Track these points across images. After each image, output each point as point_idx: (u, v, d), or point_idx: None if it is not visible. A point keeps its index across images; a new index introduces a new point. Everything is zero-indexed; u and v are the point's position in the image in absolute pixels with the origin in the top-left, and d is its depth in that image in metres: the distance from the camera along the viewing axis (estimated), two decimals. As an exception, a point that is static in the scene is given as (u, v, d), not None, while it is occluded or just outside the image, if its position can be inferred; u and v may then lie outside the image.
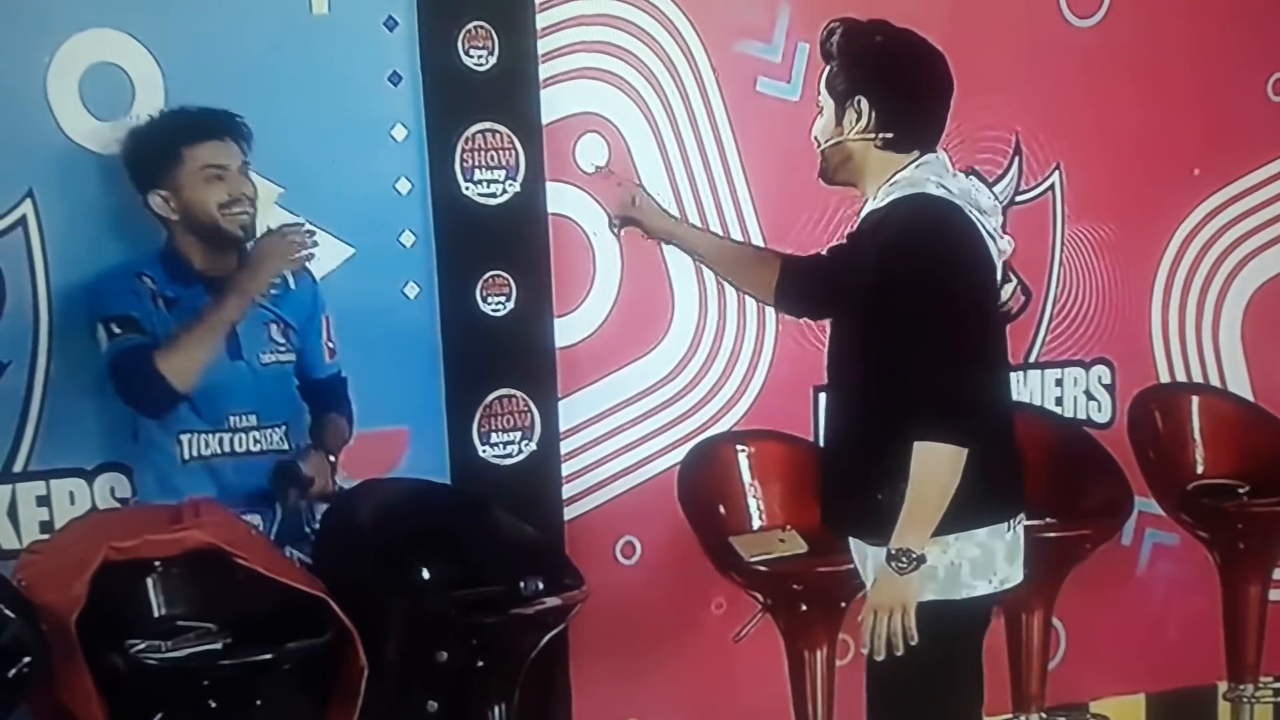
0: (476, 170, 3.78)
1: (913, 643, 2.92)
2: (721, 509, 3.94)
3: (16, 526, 3.36)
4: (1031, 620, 4.09)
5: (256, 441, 3.37)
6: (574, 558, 3.54)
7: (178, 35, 3.46)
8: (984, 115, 4.44)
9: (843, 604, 3.80)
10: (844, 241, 3.16)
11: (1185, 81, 4.57)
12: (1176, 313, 4.72)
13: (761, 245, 3.56)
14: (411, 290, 3.76)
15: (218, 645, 2.98)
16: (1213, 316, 4.77)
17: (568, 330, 3.95)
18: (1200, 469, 4.44)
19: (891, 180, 3.03)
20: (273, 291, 3.37)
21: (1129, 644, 4.65)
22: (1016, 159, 4.52)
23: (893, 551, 2.90)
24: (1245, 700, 4.36)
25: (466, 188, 3.77)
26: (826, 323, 3.29)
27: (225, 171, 3.30)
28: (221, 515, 3.24)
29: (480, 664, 3.23)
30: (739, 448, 4.03)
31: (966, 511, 2.94)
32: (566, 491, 3.99)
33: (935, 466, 2.87)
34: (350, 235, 3.65)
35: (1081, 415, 4.61)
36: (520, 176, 3.81)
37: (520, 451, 3.89)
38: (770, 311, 4.22)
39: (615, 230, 3.39)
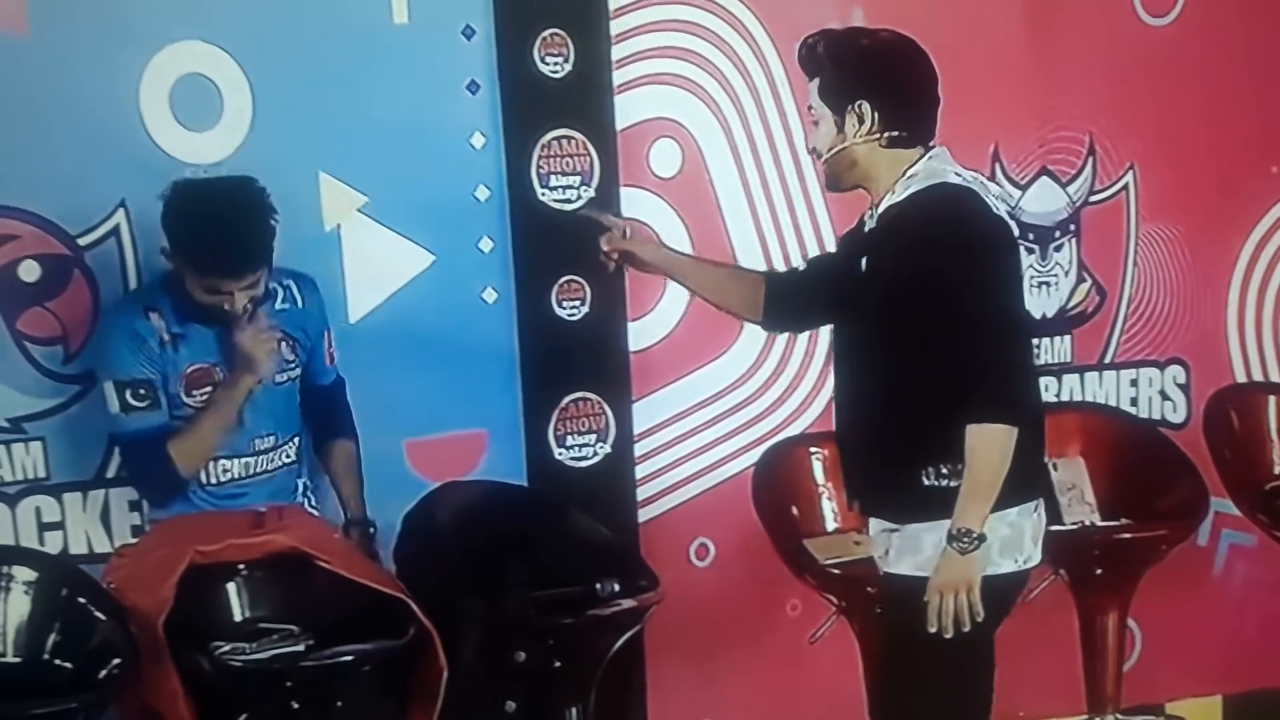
0: (552, 176, 3.80)
1: (979, 619, 2.94)
2: (795, 511, 3.94)
3: (108, 530, 3.42)
4: (1107, 621, 4.07)
5: (273, 460, 3.37)
6: (648, 560, 3.55)
7: (264, 46, 3.50)
8: (1058, 115, 4.42)
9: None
10: (834, 250, 3.16)
11: (1261, 78, 4.50)
12: (1253, 311, 4.64)
13: (745, 267, 3.59)
14: (489, 295, 3.78)
15: (300, 647, 3.01)
16: (1290, 315, 4.74)
17: (641, 334, 3.96)
18: (1278, 469, 4.35)
19: (908, 175, 3.06)
20: (279, 308, 3.33)
21: (1205, 645, 4.59)
22: (1090, 159, 4.48)
23: (954, 532, 2.92)
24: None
25: (542, 194, 3.79)
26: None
27: (230, 298, 3.18)
28: (304, 519, 3.30)
29: (557, 665, 3.25)
30: (812, 450, 4.01)
31: (1003, 490, 2.95)
32: (641, 494, 4.00)
33: (992, 447, 2.90)
34: (430, 242, 3.68)
35: (1156, 416, 4.56)
36: (595, 182, 3.82)
37: (595, 454, 3.90)
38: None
39: (611, 265, 3.35)
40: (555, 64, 3.77)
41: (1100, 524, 4.14)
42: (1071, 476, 4.20)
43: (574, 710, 3.29)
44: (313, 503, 3.46)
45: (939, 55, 4.17)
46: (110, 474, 3.40)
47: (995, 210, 3.03)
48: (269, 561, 3.12)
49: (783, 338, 4.10)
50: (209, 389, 3.23)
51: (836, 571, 3.75)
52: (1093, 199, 4.50)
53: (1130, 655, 4.30)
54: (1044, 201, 4.46)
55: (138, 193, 3.37)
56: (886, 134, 3.04)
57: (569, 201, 3.80)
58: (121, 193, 3.38)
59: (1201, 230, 4.54)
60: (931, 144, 3.10)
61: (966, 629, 2.94)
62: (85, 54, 3.34)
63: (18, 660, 2.90)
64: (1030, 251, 4.46)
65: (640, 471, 3.99)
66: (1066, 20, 4.39)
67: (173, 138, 3.42)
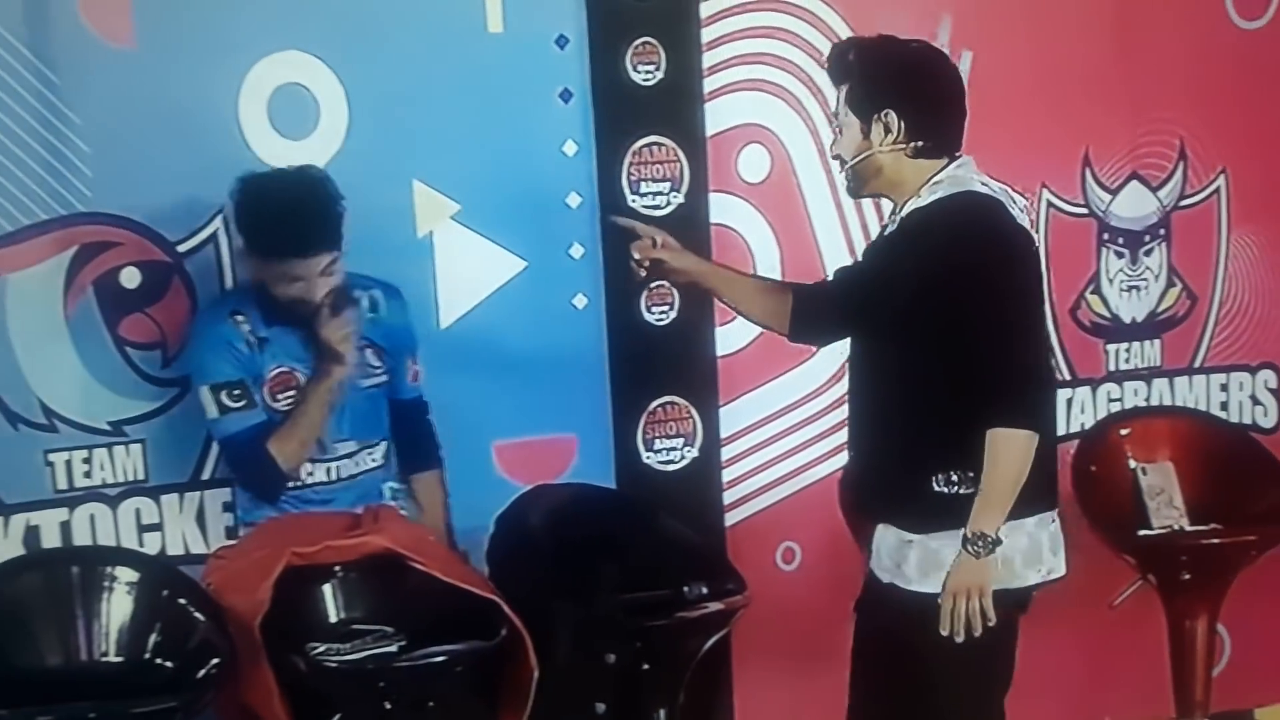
0: (643, 183, 3.77)
1: (990, 624, 2.92)
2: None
3: (204, 531, 3.43)
4: (1196, 626, 3.99)
5: (358, 464, 3.35)
6: (735, 563, 3.49)
7: (360, 56, 3.49)
8: (1149, 119, 4.34)
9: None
10: (859, 260, 3.14)
11: (1356, 82, 4.40)
12: (1346, 315, 4.56)
13: (773, 278, 3.55)
14: (580, 301, 3.75)
15: (393, 648, 3.01)
16: (1383, 318, 4.59)
17: (729, 338, 3.90)
18: (1368, 474, 4.28)
19: (933, 181, 3.03)
20: (368, 315, 3.32)
21: (1295, 651, 4.50)
22: (1181, 163, 4.39)
23: (969, 536, 2.90)
24: None
25: (633, 200, 3.76)
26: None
27: (304, 279, 3.16)
28: (398, 521, 3.28)
29: (646, 667, 3.22)
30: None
31: (1020, 498, 2.93)
32: (727, 497, 3.95)
33: (1013, 452, 2.89)
34: (522, 249, 3.66)
35: (1247, 420, 4.47)
36: (684, 188, 3.79)
37: (683, 458, 3.87)
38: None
39: (642, 275, 3.29)
40: (647, 72, 3.74)
41: (1189, 529, 4.04)
42: (1160, 481, 4.12)
43: (662, 712, 3.26)
44: (401, 506, 3.44)
45: (1030, 60, 4.22)
46: (205, 476, 3.41)
47: (1018, 220, 3.00)
48: (364, 563, 3.10)
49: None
50: (292, 393, 3.22)
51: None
52: (1183, 203, 4.41)
53: (1219, 660, 4.19)
54: (1134, 206, 4.38)
55: (236, 200, 3.41)
56: (912, 144, 3.02)
57: (659, 208, 3.77)
58: (220, 200, 3.35)
59: (1293, 233, 4.45)
60: (958, 154, 3.07)
61: (978, 633, 2.90)
62: (187, 65, 3.35)
63: (120, 660, 2.91)
64: (1120, 256, 4.40)
65: (727, 475, 3.95)
66: (1158, 24, 4.30)
67: (270, 146, 3.41)
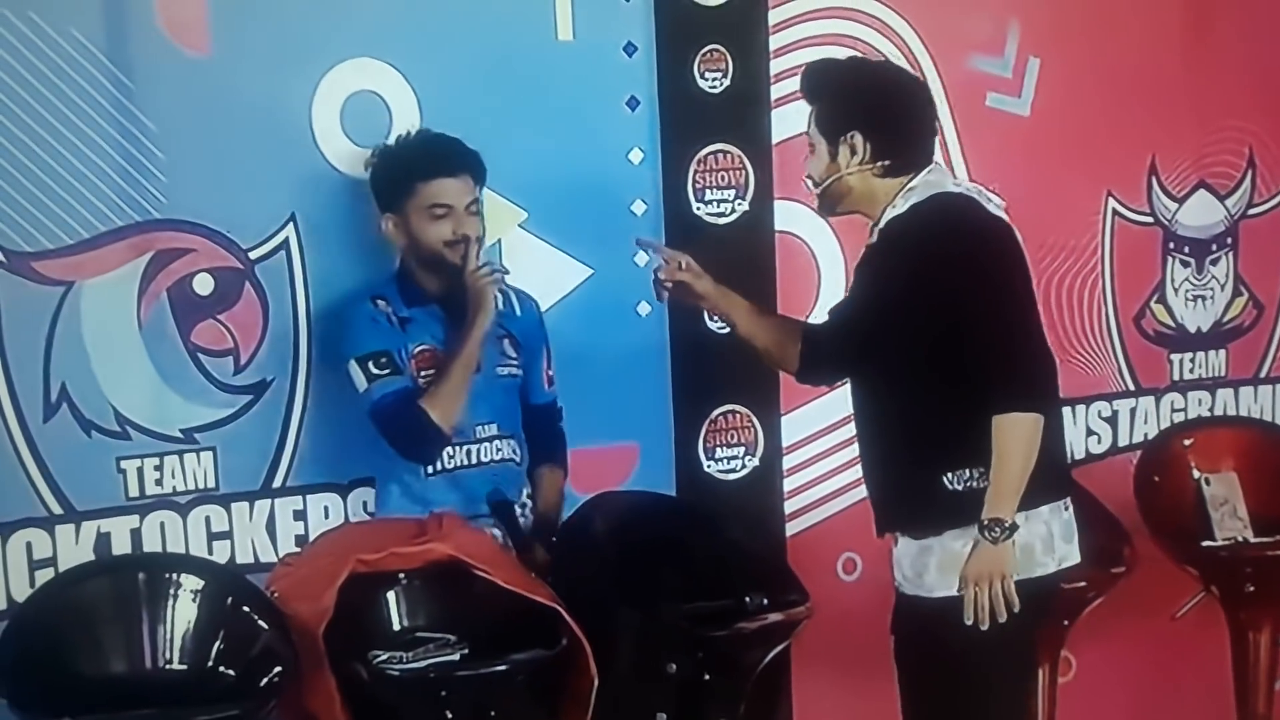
0: (708, 190, 3.70)
1: (1014, 610, 2.88)
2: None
3: (273, 540, 3.36)
4: (1259, 638, 3.91)
5: (498, 450, 3.33)
6: (795, 573, 3.40)
7: (432, 63, 3.43)
8: (1216, 127, 4.25)
9: (1066, 622, 3.71)
10: (845, 296, 3.13)
11: None
12: None
13: (789, 317, 3.48)
14: (644, 309, 3.68)
15: (455, 656, 2.95)
16: None
17: (791, 346, 3.84)
18: None
19: (907, 188, 3.03)
20: (500, 309, 3.33)
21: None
22: (1250, 171, 4.28)
23: (985, 522, 2.86)
24: None
25: (698, 208, 3.69)
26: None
27: (451, 211, 3.23)
28: (464, 528, 3.20)
29: (707, 677, 3.13)
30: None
31: (1032, 488, 2.89)
32: (788, 507, 3.88)
33: (1019, 435, 2.85)
34: (588, 256, 3.60)
35: (1314, 431, 4.34)
36: (749, 195, 3.72)
37: (744, 467, 3.80)
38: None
39: (663, 295, 3.28)
40: (714, 79, 3.67)
41: (1253, 540, 3.94)
42: (1224, 491, 4.01)
43: (723, 722, 3.20)
44: (529, 513, 3.41)
45: (1097, 67, 4.10)
46: (276, 484, 3.36)
47: (995, 212, 2.98)
48: (428, 570, 3.05)
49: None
50: (432, 370, 3.22)
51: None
52: (1251, 212, 4.31)
53: (1284, 673, 4.08)
54: (1201, 214, 4.29)
55: (308, 206, 3.35)
56: (879, 164, 3.00)
57: (723, 215, 3.71)
58: (292, 206, 3.33)
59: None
60: (930, 164, 3.04)
61: (1003, 619, 2.88)
62: (262, 72, 3.29)
63: (184, 668, 2.87)
64: (1186, 265, 4.30)
65: (788, 485, 3.87)
66: (1226, 30, 4.20)
67: (343, 152, 3.36)
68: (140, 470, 3.25)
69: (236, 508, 3.34)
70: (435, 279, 3.29)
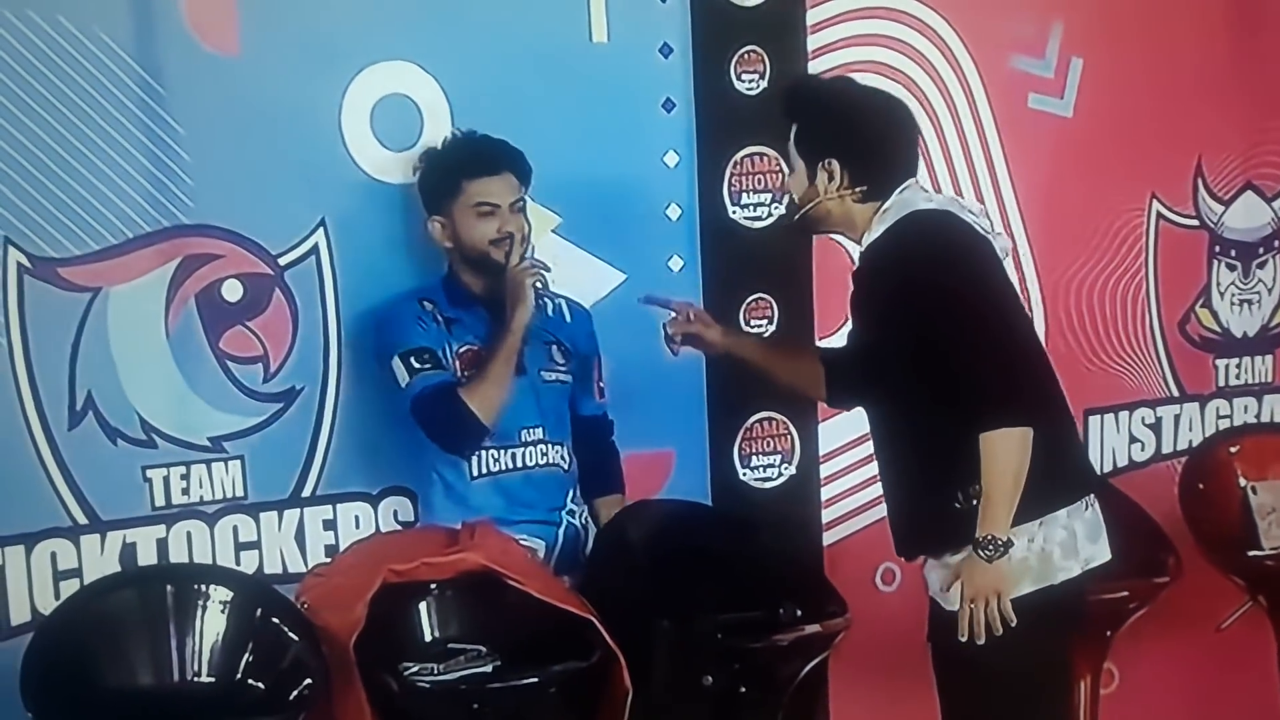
0: (744, 194, 3.64)
1: (1012, 625, 2.84)
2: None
3: (303, 550, 3.32)
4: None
5: (543, 454, 3.30)
6: (833, 584, 3.34)
7: (464, 65, 3.38)
8: (1263, 127, 4.20)
9: (1109, 632, 3.64)
10: (849, 314, 3.08)
11: None
12: None
13: (803, 345, 3.52)
14: (679, 315, 3.63)
15: (487, 668, 2.90)
16: None
17: (829, 353, 3.78)
18: None
19: (882, 210, 2.99)
20: (549, 315, 3.33)
21: None
22: (1300, 175, 4.21)
23: (979, 540, 2.82)
24: None
25: (733, 211, 3.64)
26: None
27: (496, 209, 3.23)
28: (496, 538, 3.15)
29: (744, 689, 3.08)
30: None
31: (1043, 494, 2.87)
32: (826, 516, 3.82)
33: (1005, 451, 2.80)
34: (622, 261, 3.55)
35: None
36: (786, 199, 3.55)
37: (780, 475, 3.75)
38: (1039, 333, 4.02)
39: (675, 348, 3.27)
40: (751, 81, 3.62)
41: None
42: (1272, 499, 3.94)
43: (759, 737, 3.14)
44: (581, 520, 3.37)
45: (1142, 66, 4.03)
46: (306, 493, 3.32)
47: (966, 225, 2.96)
48: (460, 580, 3.00)
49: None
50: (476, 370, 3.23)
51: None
52: (1302, 216, 4.24)
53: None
54: (1248, 217, 4.22)
55: (337, 211, 3.31)
56: (857, 189, 2.96)
57: (760, 219, 3.65)
58: (321, 211, 3.28)
59: None
60: (904, 183, 2.99)
61: (999, 633, 2.84)
62: (292, 73, 3.25)
63: (212, 680, 2.82)
64: (1232, 269, 4.24)
65: (826, 493, 3.82)
66: (1273, 29, 4.13)
67: (373, 157, 3.32)
68: (166, 479, 3.21)
69: (265, 517, 3.30)
70: (481, 279, 3.28)
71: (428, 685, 2.86)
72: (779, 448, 3.75)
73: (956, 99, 3.88)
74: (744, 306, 3.65)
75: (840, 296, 3.68)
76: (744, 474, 3.72)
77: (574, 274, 3.50)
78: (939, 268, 2.85)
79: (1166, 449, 4.23)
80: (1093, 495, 3.00)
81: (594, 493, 3.43)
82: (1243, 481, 3.99)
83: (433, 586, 3.02)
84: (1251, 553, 3.88)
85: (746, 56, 3.61)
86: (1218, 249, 4.24)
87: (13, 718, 2.66)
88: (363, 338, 3.33)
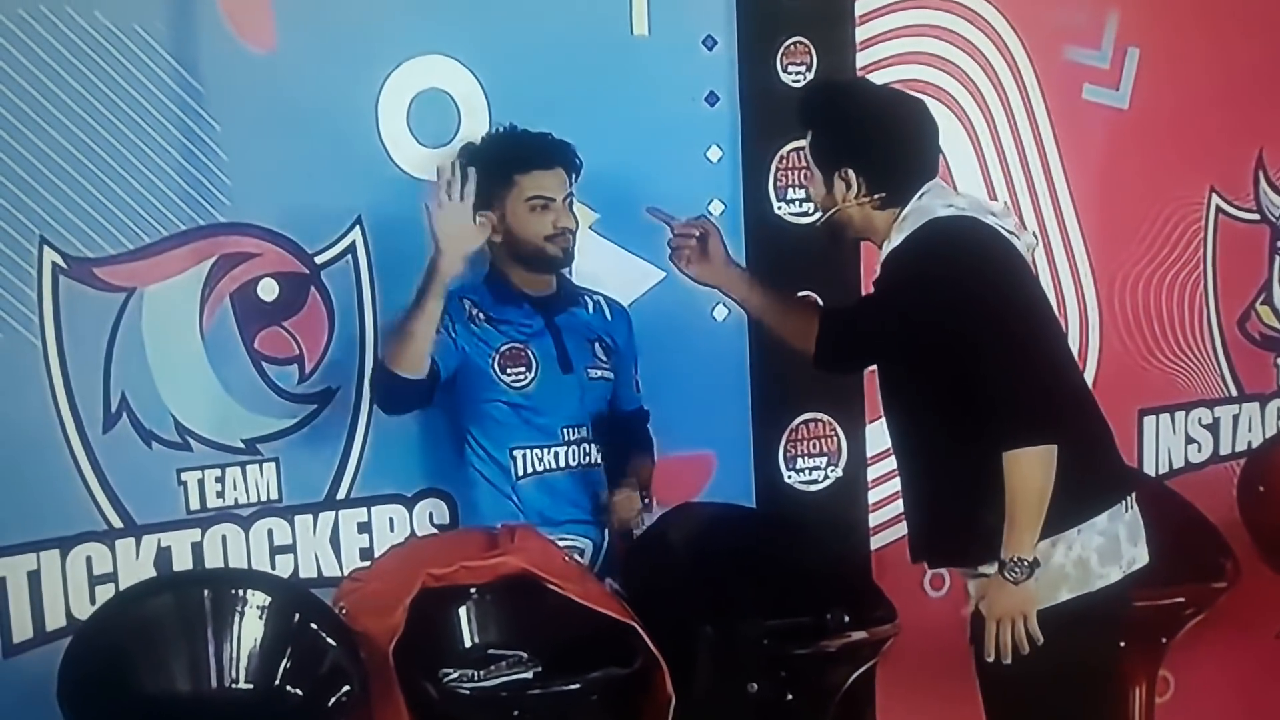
0: (790, 189, 3.64)
1: (1038, 643, 2.86)
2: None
3: (338, 553, 3.35)
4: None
5: (586, 454, 3.32)
6: (881, 589, 3.34)
7: (502, 59, 3.40)
8: None
9: (1164, 639, 3.64)
10: (873, 291, 3.05)
11: None
12: None
13: (806, 298, 3.49)
14: (720, 313, 3.63)
15: (528, 674, 2.91)
16: None
17: (877, 352, 3.78)
18: None
19: (901, 218, 2.99)
20: (590, 313, 3.36)
21: None
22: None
23: (1005, 561, 2.85)
24: None
25: (779, 207, 3.64)
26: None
27: (551, 203, 3.25)
28: (537, 541, 3.16)
29: (789, 697, 3.09)
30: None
31: (1081, 502, 2.88)
32: (873, 520, 3.81)
33: (1028, 471, 2.81)
34: (662, 259, 3.47)
35: None
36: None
37: (826, 478, 3.75)
38: (1093, 329, 4.03)
39: (681, 263, 3.22)
40: (797, 73, 3.61)
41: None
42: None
43: (806, 745, 3.15)
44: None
45: (1201, 57, 4.01)
46: (341, 496, 3.34)
47: (987, 233, 2.92)
48: (500, 585, 3.01)
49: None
50: (520, 369, 3.25)
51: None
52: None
53: None
54: (1312, 211, 4.19)
55: (374, 209, 3.32)
56: (875, 196, 2.96)
57: (806, 215, 3.62)
58: (358, 209, 3.31)
59: None
60: (922, 188, 2.97)
61: (1025, 651, 2.86)
62: (328, 69, 3.27)
63: (249, 687, 2.83)
64: (1294, 262, 4.21)
65: (873, 496, 3.81)
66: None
67: (409, 153, 3.34)
68: (201, 482, 3.24)
69: (300, 520, 3.33)
70: (530, 274, 3.30)
71: (467, 692, 2.87)
72: (825, 449, 3.75)
73: (1009, 91, 3.88)
74: (789, 305, 3.65)
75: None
76: (789, 476, 3.72)
77: (613, 272, 3.52)
78: (956, 283, 2.85)
79: (1224, 450, 4.22)
80: (1132, 495, 3.00)
81: (628, 457, 3.42)
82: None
83: (472, 591, 3.03)
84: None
85: (793, 48, 3.60)
86: (1279, 244, 4.22)
87: (49, 725, 2.70)
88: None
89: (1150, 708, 3.72)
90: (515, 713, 2.87)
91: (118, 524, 3.16)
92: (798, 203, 3.64)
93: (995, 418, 2.80)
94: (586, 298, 3.41)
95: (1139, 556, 2.97)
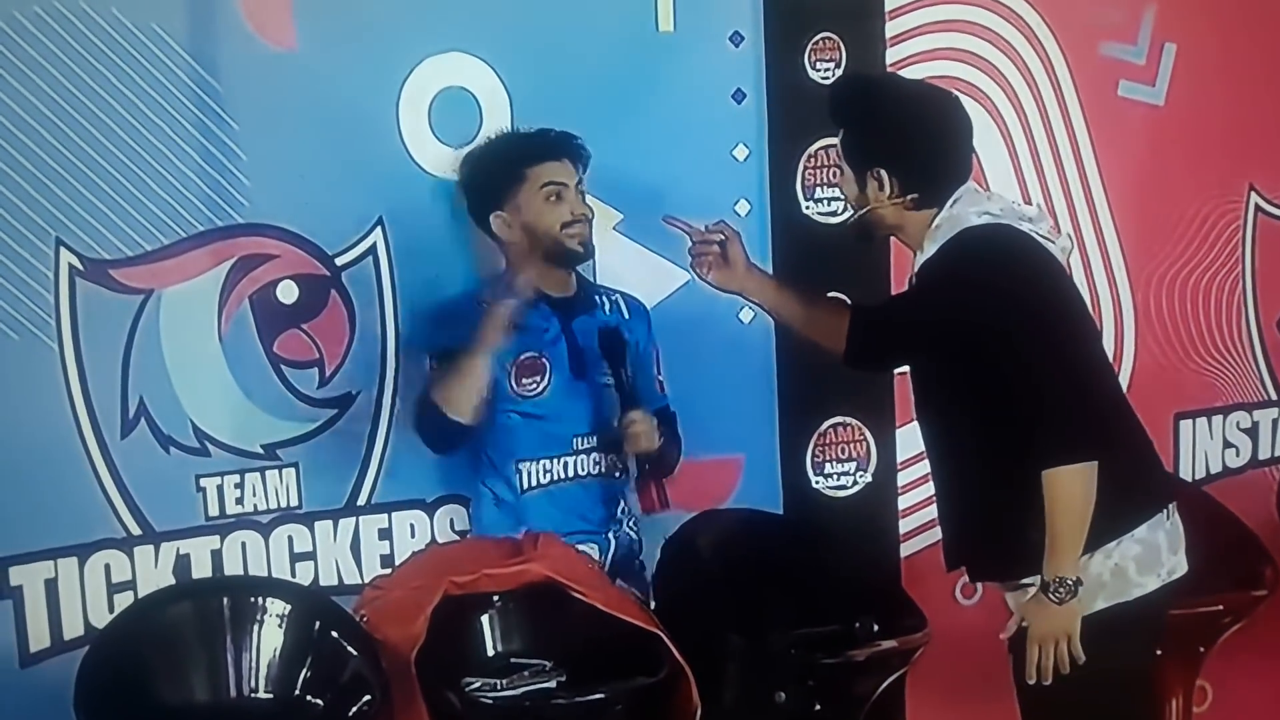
0: (817, 188, 3.65)
1: (1080, 661, 2.87)
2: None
3: (358, 560, 3.36)
4: None
5: (596, 464, 3.33)
6: (911, 597, 3.35)
7: (524, 56, 3.41)
8: None
9: (1202, 648, 3.64)
10: (906, 292, 3.07)
11: None
12: None
13: (833, 297, 3.46)
14: (746, 315, 3.63)
15: (551, 684, 2.92)
16: None
17: (907, 355, 3.78)
18: None
19: (934, 227, 2.99)
20: (605, 313, 3.37)
21: None
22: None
23: (1047, 582, 2.85)
24: None
25: (807, 206, 3.65)
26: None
27: (565, 190, 3.26)
28: (560, 549, 3.18)
29: (818, 707, 3.10)
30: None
31: (1123, 514, 2.88)
32: (903, 526, 3.82)
33: (1069, 489, 2.81)
34: (687, 260, 3.43)
35: None
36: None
37: (855, 483, 3.76)
38: (1128, 331, 4.02)
39: (704, 268, 3.22)
40: (826, 70, 3.62)
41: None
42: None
43: (829, 757, 3.15)
44: (633, 524, 3.40)
45: (1238, 52, 4.01)
46: (361, 502, 3.36)
47: (1023, 242, 2.93)
48: (523, 593, 3.02)
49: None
50: (537, 378, 3.25)
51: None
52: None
53: None
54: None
55: (395, 210, 3.33)
56: (909, 197, 2.96)
57: (834, 215, 3.63)
58: (379, 210, 3.32)
59: None
60: (954, 195, 2.97)
61: (1066, 671, 2.86)
62: (349, 67, 3.28)
63: (269, 697, 2.85)
64: (1341, 265, 4.20)
65: (903, 502, 3.82)
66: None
67: (430, 153, 3.35)
68: (220, 488, 3.26)
69: (320, 526, 3.34)
70: (550, 270, 3.29)
71: (491, 701, 2.88)
72: (854, 454, 3.76)
73: (1043, 87, 3.88)
74: (817, 307, 3.66)
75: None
76: (817, 482, 3.73)
77: (637, 273, 3.52)
78: (991, 286, 2.84)
79: (1264, 455, 4.22)
80: (1173, 504, 3.00)
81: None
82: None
83: (495, 599, 3.04)
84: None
85: (821, 44, 3.61)
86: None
87: (68, 733, 2.71)
88: (419, 343, 3.35)
89: (1187, 718, 3.72)
90: (539, 722, 2.88)
91: (136, 531, 3.18)
92: (826, 202, 3.66)
93: (1034, 434, 2.79)
94: (604, 297, 3.41)
95: (1178, 566, 2.97)
